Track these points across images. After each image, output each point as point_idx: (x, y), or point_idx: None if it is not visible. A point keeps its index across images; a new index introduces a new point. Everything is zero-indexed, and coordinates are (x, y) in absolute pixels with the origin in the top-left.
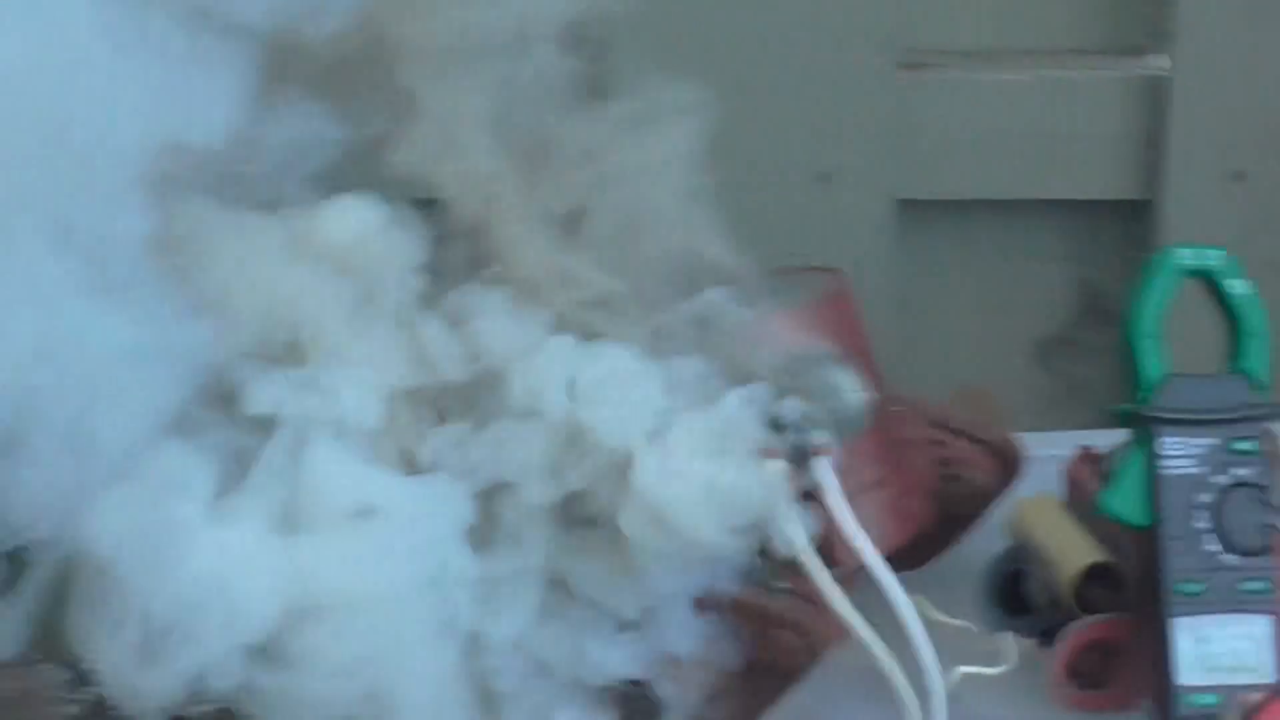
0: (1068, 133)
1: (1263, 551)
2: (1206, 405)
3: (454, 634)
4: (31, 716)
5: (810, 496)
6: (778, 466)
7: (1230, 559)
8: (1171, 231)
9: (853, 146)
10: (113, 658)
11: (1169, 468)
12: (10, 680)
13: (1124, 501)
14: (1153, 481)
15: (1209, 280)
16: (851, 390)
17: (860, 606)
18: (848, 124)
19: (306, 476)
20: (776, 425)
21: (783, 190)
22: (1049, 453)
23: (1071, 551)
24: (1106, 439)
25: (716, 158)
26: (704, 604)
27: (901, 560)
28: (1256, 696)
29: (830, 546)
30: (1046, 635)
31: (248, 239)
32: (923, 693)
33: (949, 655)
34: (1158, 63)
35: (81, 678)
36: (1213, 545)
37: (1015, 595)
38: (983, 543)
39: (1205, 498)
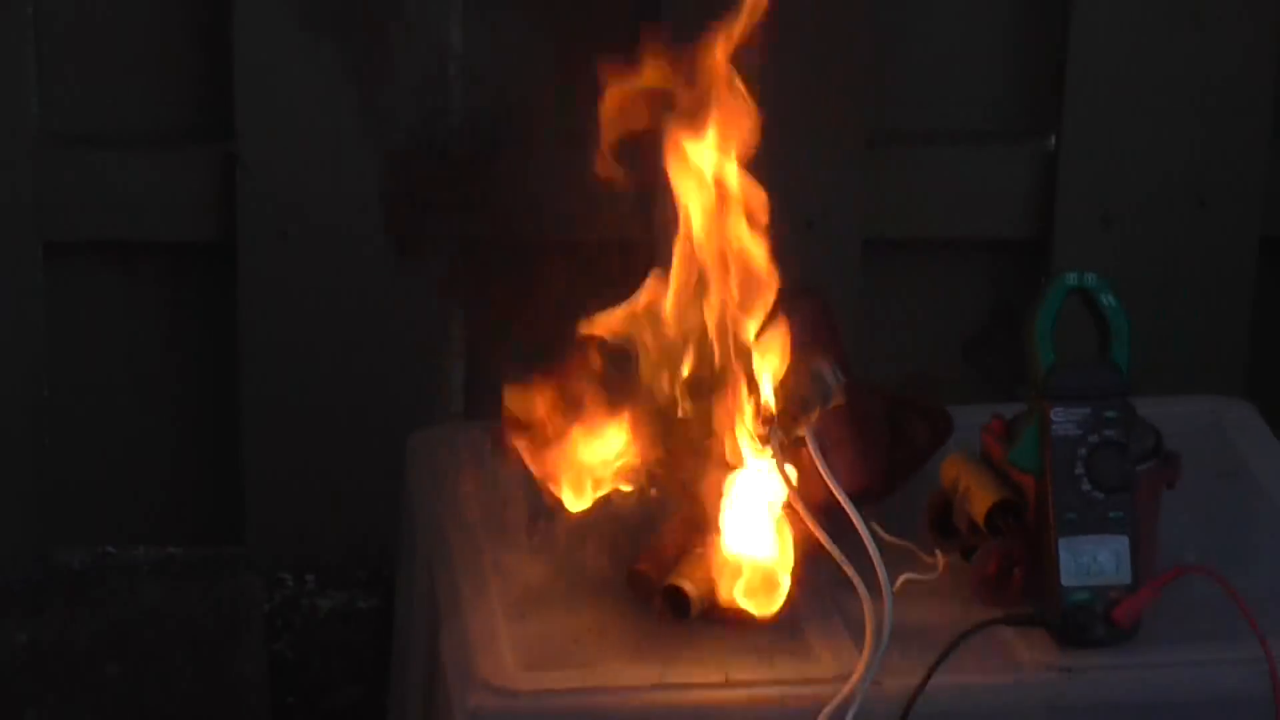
0: (986, 191)
1: (1123, 490)
2: (1084, 386)
3: None
4: (241, 612)
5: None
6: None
7: (1099, 495)
8: (1059, 261)
9: (831, 200)
10: None
11: (1056, 430)
12: (225, 583)
13: (1024, 454)
14: (1045, 440)
15: (1087, 295)
16: (828, 375)
17: (830, 530)
18: (828, 184)
19: None
20: (776, 400)
21: (780, 231)
22: (970, 420)
23: (985, 491)
24: (1012, 411)
25: None
26: None
27: (862, 497)
28: (1117, 594)
29: (811, 485)
30: (966, 551)
31: None
32: (876, 593)
33: (896, 565)
34: (1048, 141)
35: (275, 583)
36: (1086, 486)
37: (945, 523)
38: (922, 485)
39: (1082, 451)
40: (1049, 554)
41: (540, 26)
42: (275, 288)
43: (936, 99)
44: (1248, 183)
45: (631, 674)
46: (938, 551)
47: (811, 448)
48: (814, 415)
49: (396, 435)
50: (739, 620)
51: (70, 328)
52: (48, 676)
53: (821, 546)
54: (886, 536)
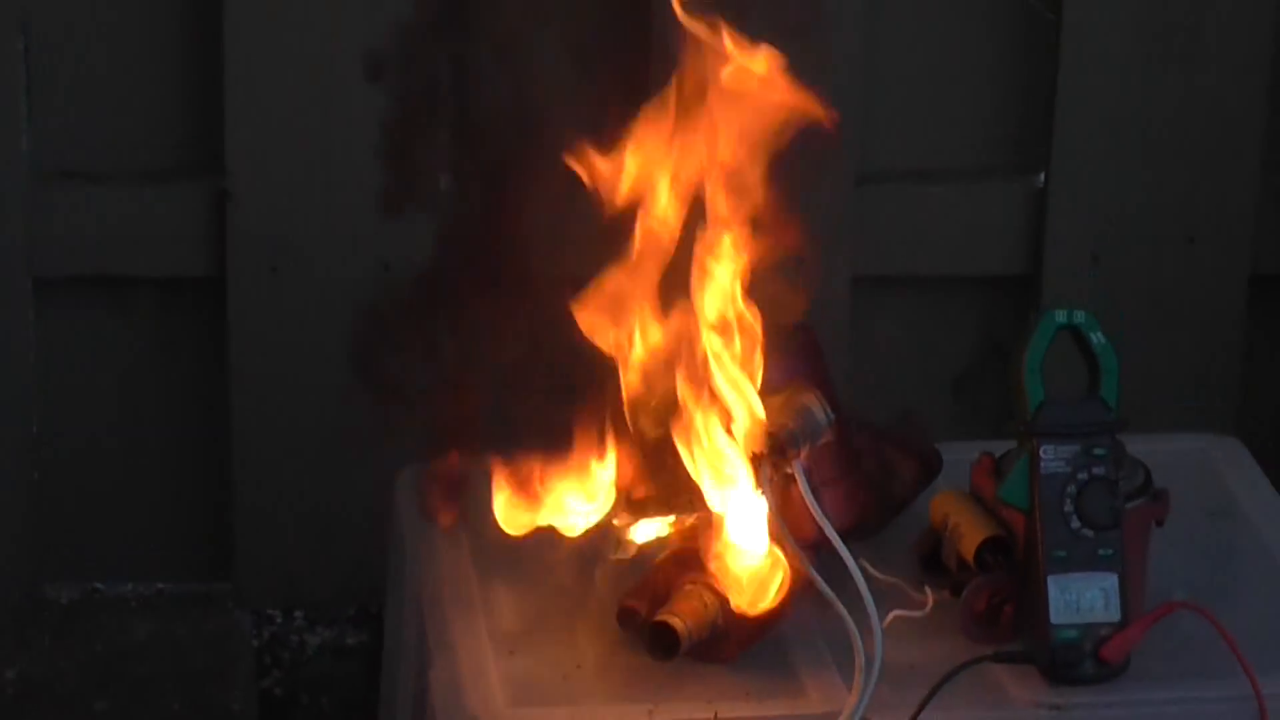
0: (974, 227)
1: (1112, 527)
2: (1073, 423)
3: None
4: (231, 646)
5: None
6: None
7: (1088, 533)
8: (1048, 298)
9: (821, 237)
10: None
11: (1045, 467)
12: (216, 620)
13: (1013, 491)
14: (1034, 477)
15: (1076, 332)
16: (818, 412)
17: (820, 567)
18: (817, 221)
19: None
20: (765, 437)
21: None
22: (960, 458)
23: (974, 528)
24: (1001, 448)
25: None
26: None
27: (852, 534)
28: (1107, 631)
29: (801, 522)
30: (956, 588)
31: None
32: (865, 629)
33: (885, 602)
34: (1037, 178)
35: (263, 619)
36: (1076, 523)
37: (934, 560)
38: (911, 522)
39: (1071, 489)
40: (1038, 591)
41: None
42: (265, 323)
43: (925, 136)
44: (1236, 220)
45: (620, 711)
46: (927, 588)
47: (801, 485)
48: (804, 452)
49: (385, 470)
50: (728, 658)
51: (60, 363)
52: (36, 712)
53: (811, 584)
54: (876, 573)
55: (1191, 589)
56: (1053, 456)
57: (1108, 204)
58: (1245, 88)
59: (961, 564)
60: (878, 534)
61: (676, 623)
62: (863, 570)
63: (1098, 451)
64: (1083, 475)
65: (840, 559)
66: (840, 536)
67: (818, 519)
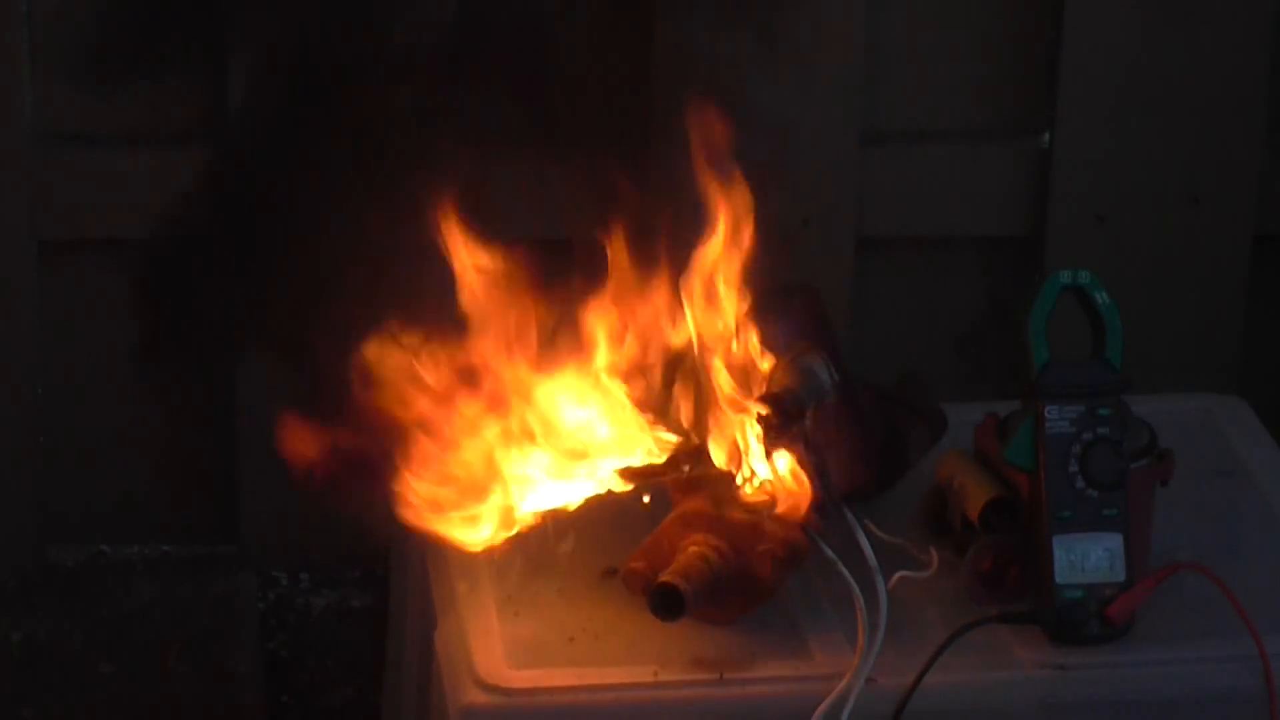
0: (979, 188)
1: (1116, 487)
2: (1078, 383)
3: None
4: (236, 608)
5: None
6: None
7: (1093, 493)
8: (1052, 259)
9: (827, 199)
10: None
11: (1050, 428)
12: (222, 582)
13: (1019, 452)
14: (1039, 438)
15: (1080, 293)
16: (823, 373)
17: (825, 528)
18: (824, 183)
19: None
20: (770, 398)
21: (774, 229)
22: (964, 418)
23: (980, 489)
24: (1006, 408)
25: None
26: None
27: (856, 495)
28: (1111, 591)
29: (804, 484)
30: (961, 549)
31: None
32: (870, 591)
33: (890, 563)
34: (1041, 139)
35: (269, 582)
36: (1080, 483)
37: (939, 520)
38: (916, 483)
39: (1076, 449)
40: (1043, 551)
41: None
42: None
43: (929, 97)
44: (1241, 180)
45: (625, 672)
46: (932, 549)
47: (805, 444)
48: (808, 413)
49: None
50: (734, 619)
51: (64, 326)
52: (42, 675)
53: (814, 545)
54: (880, 534)
55: (1196, 548)
56: (1058, 417)
57: (1112, 164)
58: (1250, 46)
59: (966, 524)
60: (882, 495)
61: (681, 584)
62: (867, 531)
63: (1102, 412)
64: (1087, 436)
65: (844, 520)
66: (844, 497)
67: (821, 481)
